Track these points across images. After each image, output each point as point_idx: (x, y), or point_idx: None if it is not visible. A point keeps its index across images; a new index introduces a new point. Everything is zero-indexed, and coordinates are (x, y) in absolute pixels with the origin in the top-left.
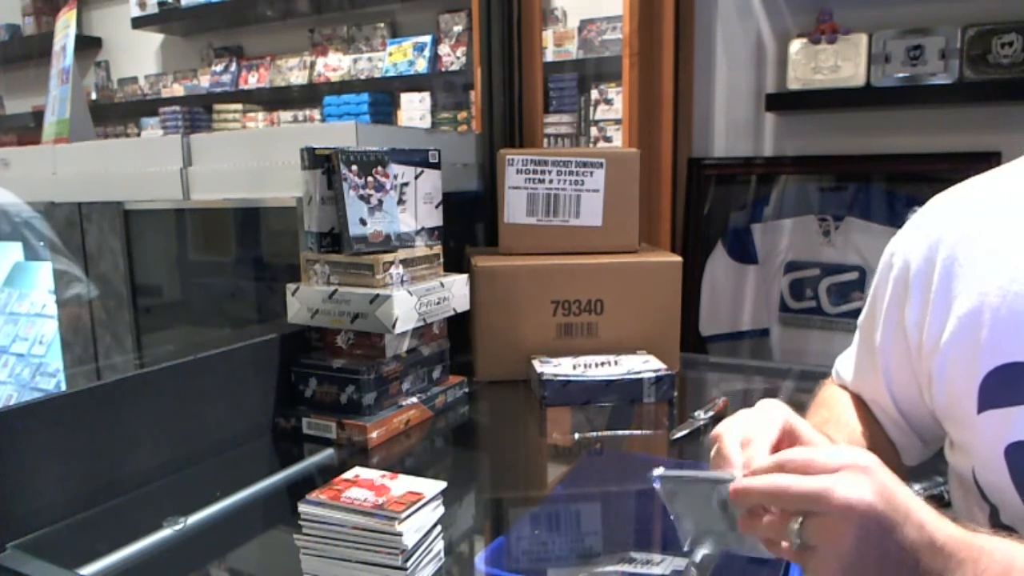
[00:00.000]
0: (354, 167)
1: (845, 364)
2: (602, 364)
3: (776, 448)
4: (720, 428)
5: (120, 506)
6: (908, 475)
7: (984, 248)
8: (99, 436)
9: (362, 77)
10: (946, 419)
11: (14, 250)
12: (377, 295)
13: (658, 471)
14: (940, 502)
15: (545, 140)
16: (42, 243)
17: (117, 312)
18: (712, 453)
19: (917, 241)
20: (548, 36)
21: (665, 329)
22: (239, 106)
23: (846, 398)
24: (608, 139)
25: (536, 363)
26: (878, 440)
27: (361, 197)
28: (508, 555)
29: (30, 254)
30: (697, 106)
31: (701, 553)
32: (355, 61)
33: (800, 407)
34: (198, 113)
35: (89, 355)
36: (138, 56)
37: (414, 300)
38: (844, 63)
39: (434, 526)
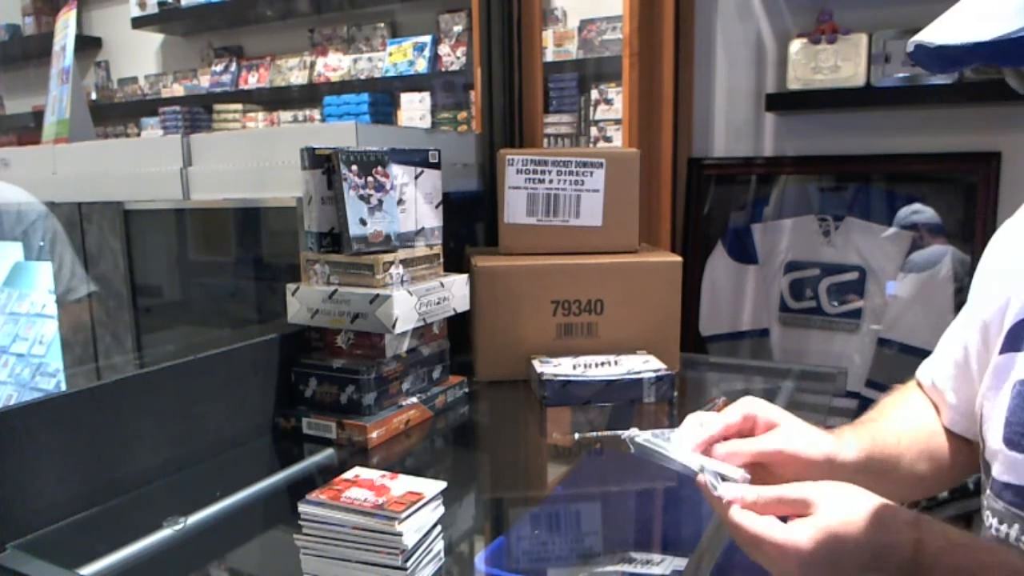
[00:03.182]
0: (354, 167)
1: (930, 366)
2: (602, 364)
3: (732, 427)
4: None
5: (120, 506)
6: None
7: None
8: (99, 436)
9: (362, 77)
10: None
11: (14, 250)
12: (377, 295)
13: (631, 434)
14: (965, 491)
15: (545, 140)
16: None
17: (117, 312)
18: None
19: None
20: (548, 36)
21: (665, 329)
22: (239, 106)
23: (915, 400)
24: (608, 139)
25: (536, 363)
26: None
27: (361, 197)
28: (508, 555)
29: (30, 254)
30: (697, 106)
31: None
32: (355, 61)
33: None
34: (198, 113)
35: (89, 355)
36: (138, 56)
37: (414, 300)
38: (844, 63)
39: (434, 526)
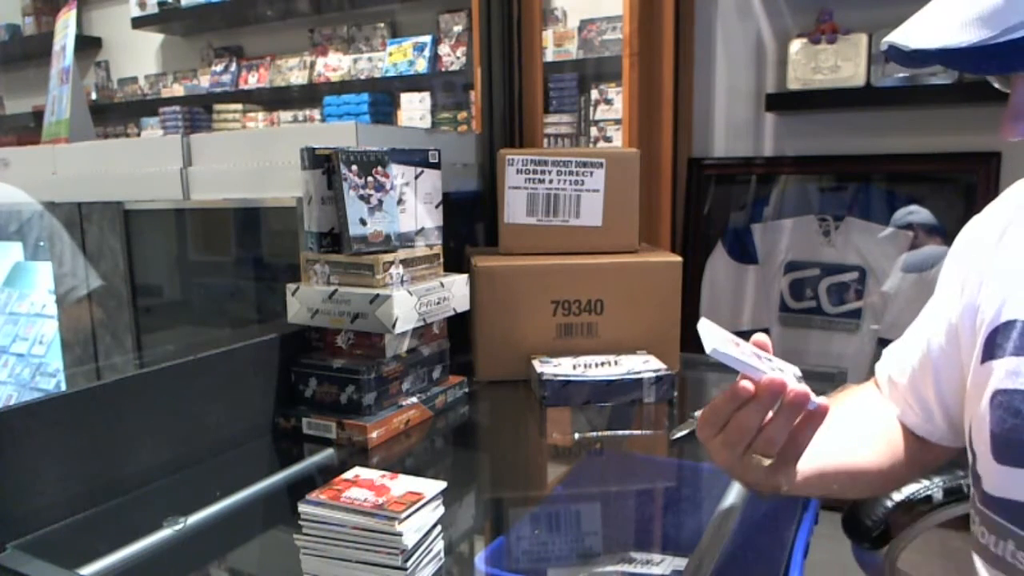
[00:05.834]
0: (354, 167)
1: (889, 361)
2: (602, 364)
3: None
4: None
5: (120, 506)
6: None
7: None
8: (99, 436)
9: (362, 77)
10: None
11: (14, 250)
12: (377, 295)
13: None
14: (959, 495)
15: (545, 140)
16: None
17: (117, 312)
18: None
19: (989, 221)
20: (548, 36)
21: (665, 329)
22: (239, 106)
23: (870, 399)
24: (608, 139)
25: (536, 363)
26: (894, 434)
27: (361, 197)
28: (508, 555)
29: (30, 254)
30: (697, 106)
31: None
32: (355, 61)
33: None
34: (198, 113)
35: (89, 355)
36: (138, 56)
37: (414, 300)
38: (844, 63)
39: (434, 526)
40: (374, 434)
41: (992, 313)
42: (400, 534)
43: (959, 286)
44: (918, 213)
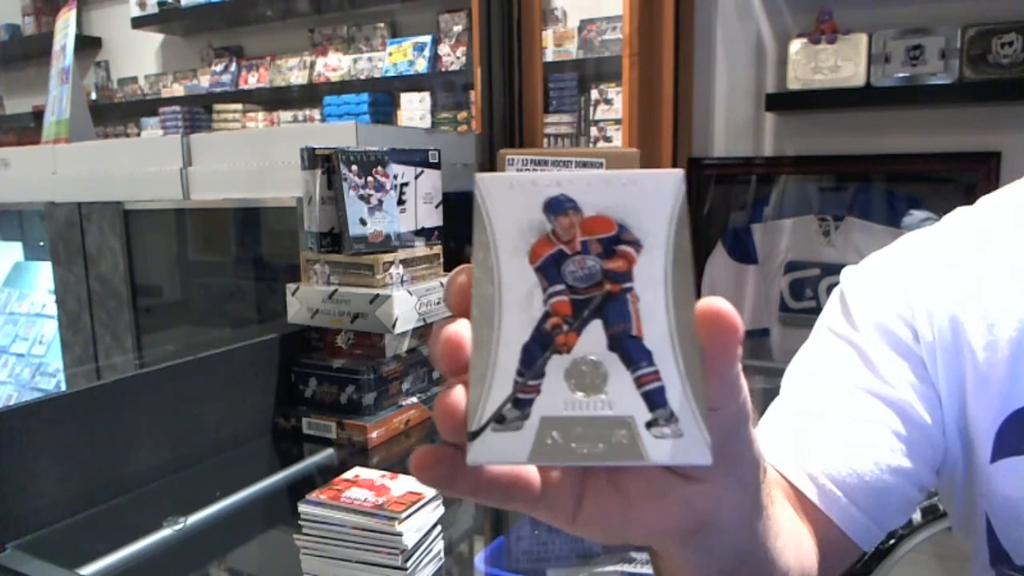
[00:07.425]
0: (354, 167)
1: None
2: None
3: None
4: None
5: (120, 506)
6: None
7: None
8: (99, 436)
9: (362, 77)
10: (951, 469)
11: (14, 250)
12: (377, 295)
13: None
14: (937, 513)
15: (545, 140)
16: None
17: (117, 312)
18: None
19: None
20: (548, 36)
21: None
22: (239, 106)
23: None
24: (608, 139)
25: None
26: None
27: (361, 197)
28: (508, 555)
29: (30, 254)
30: (697, 106)
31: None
32: (355, 61)
33: None
34: (198, 113)
35: (89, 355)
36: (138, 56)
37: (414, 300)
38: (844, 63)
39: (434, 526)
40: (374, 434)
41: (998, 402)
42: (400, 534)
43: (926, 391)
44: (931, 218)
